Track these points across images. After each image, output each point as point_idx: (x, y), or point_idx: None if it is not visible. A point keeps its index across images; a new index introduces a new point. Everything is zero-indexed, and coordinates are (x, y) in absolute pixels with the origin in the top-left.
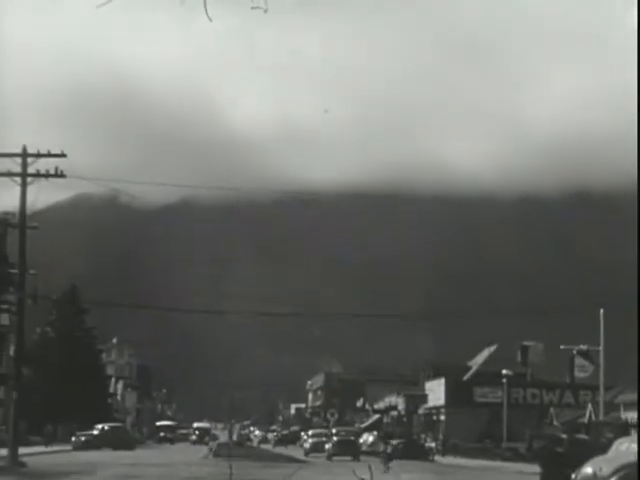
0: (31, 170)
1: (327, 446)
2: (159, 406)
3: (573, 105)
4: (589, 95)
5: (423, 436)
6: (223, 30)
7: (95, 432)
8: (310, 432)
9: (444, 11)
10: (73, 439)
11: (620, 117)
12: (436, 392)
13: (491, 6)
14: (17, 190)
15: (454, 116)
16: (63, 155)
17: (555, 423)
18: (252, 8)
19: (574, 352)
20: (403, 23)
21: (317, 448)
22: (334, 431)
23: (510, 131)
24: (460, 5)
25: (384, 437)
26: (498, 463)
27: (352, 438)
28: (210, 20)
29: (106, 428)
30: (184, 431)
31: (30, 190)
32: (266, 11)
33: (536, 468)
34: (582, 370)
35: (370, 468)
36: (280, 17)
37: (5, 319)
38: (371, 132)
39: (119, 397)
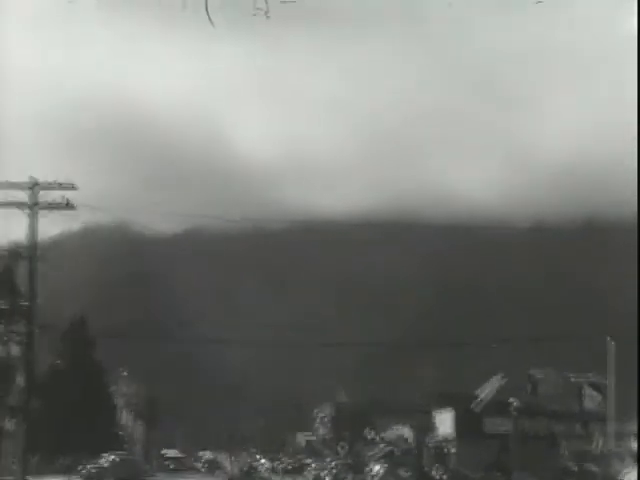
0: (40, 200)
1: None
2: (167, 436)
3: (582, 134)
4: (599, 125)
5: (437, 466)
6: (230, 59)
7: (104, 463)
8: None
9: (452, 42)
10: (82, 470)
11: (629, 147)
12: (445, 422)
13: (500, 37)
14: (26, 221)
15: (461, 144)
16: (72, 187)
17: (565, 453)
18: (254, 12)
19: (583, 383)
20: (411, 53)
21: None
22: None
23: (518, 159)
24: (468, 35)
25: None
26: None
27: None
28: (213, 25)
29: (114, 459)
30: (191, 461)
31: (39, 221)
32: (267, 15)
33: None
34: (591, 400)
35: None
36: (288, 47)
37: (15, 350)
38: (378, 160)
39: (127, 427)
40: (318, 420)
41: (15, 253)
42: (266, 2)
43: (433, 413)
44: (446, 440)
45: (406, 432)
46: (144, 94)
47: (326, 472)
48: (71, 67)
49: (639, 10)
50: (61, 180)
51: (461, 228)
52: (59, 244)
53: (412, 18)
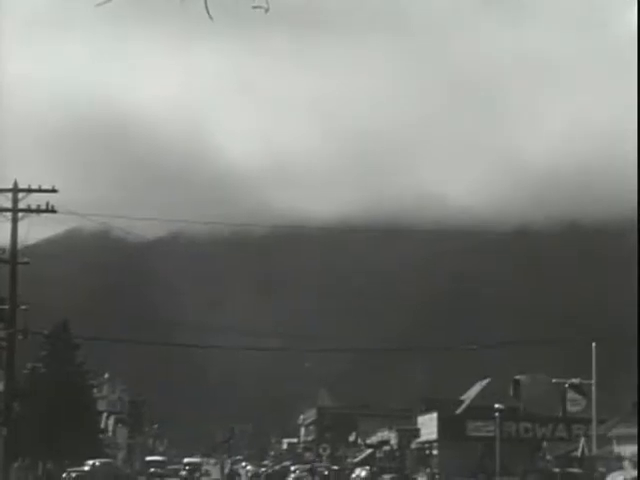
0: (22, 205)
1: None
2: (150, 441)
3: (569, 138)
4: (586, 128)
5: (428, 470)
6: (217, 65)
7: (86, 468)
8: (293, 467)
9: (440, 47)
10: (64, 475)
11: (617, 150)
12: (428, 426)
13: (487, 40)
14: (8, 225)
15: (449, 149)
16: (54, 191)
17: (548, 457)
18: (253, 7)
19: (566, 386)
20: (400, 60)
21: None
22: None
23: (506, 164)
24: (456, 40)
25: None
26: None
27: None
28: (211, 19)
29: (97, 464)
30: (175, 466)
31: (21, 225)
32: (267, 11)
33: None
34: (575, 404)
35: None
36: (276, 52)
37: None
38: (366, 166)
39: (110, 433)
40: (302, 425)
41: None
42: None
43: (417, 417)
44: (429, 443)
45: (390, 435)
46: (129, 97)
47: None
48: (57, 70)
49: (639, 10)
50: (43, 183)
51: (447, 232)
52: (42, 248)
53: (400, 25)
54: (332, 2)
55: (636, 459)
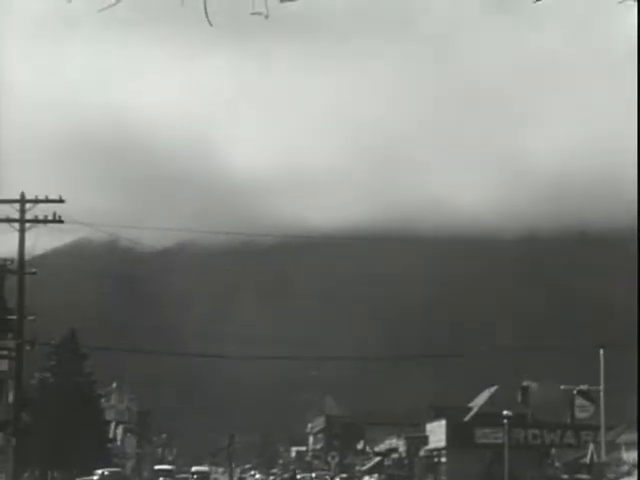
0: (29, 216)
1: None
2: (159, 451)
3: (576, 143)
4: (592, 133)
5: (437, 478)
6: (223, 73)
7: (95, 478)
8: (299, 476)
9: (444, 52)
10: None
11: (623, 155)
12: (437, 434)
13: (492, 44)
14: (15, 236)
15: (456, 156)
16: (61, 201)
17: (557, 464)
18: (252, 13)
19: (574, 392)
20: (404, 66)
21: None
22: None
23: (512, 170)
24: (461, 45)
25: None
26: None
27: None
28: (211, 25)
29: (106, 473)
30: (183, 475)
31: (28, 236)
32: (267, 17)
33: None
34: (583, 410)
35: None
36: (283, 61)
37: (4, 365)
38: (372, 174)
39: (119, 442)
40: (310, 433)
41: (3, 268)
42: (266, 6)
43: (425, 424)
44: (438, 450)
45: (398, 443)
46: (132, 104)
47: None
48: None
49: (639, 11)
50: (50, 193)
51: (453, 240)
52: (50, 258)
53: (408, 33)
54: (332, 7)
55: None
